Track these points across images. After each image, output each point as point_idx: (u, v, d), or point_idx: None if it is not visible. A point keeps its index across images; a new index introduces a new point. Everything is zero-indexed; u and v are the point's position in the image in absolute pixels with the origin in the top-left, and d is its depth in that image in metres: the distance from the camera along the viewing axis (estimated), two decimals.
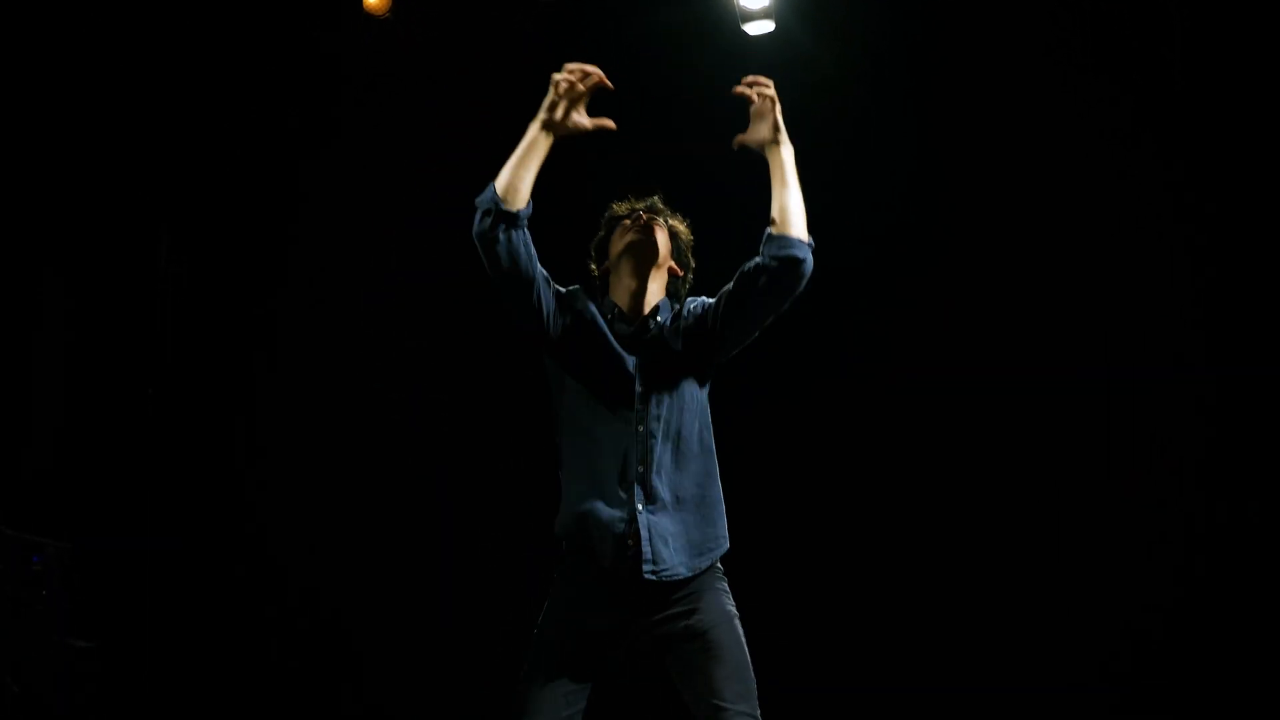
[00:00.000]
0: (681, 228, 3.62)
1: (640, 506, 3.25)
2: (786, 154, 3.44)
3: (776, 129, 3.43)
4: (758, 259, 3.41)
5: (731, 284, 3.45)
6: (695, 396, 3.42)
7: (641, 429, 3.30)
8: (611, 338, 3.40)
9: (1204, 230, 5.79)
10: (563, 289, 3.47)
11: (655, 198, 3.63)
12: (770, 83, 3.46)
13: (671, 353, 3.41)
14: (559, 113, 3.33)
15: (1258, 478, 5.59)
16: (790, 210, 3.40)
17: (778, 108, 3.43)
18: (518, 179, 3.28)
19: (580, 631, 3.26)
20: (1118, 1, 5.93)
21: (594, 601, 3.27)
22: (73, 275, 6.47)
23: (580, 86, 3.35)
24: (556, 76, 3.34)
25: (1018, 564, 5.93)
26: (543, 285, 3.36)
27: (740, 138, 3.50)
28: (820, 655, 5.96)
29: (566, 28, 6.34)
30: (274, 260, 6.70)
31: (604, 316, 3.45)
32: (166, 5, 6.25)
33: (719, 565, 3.40)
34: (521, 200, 3.29)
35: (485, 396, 6.41)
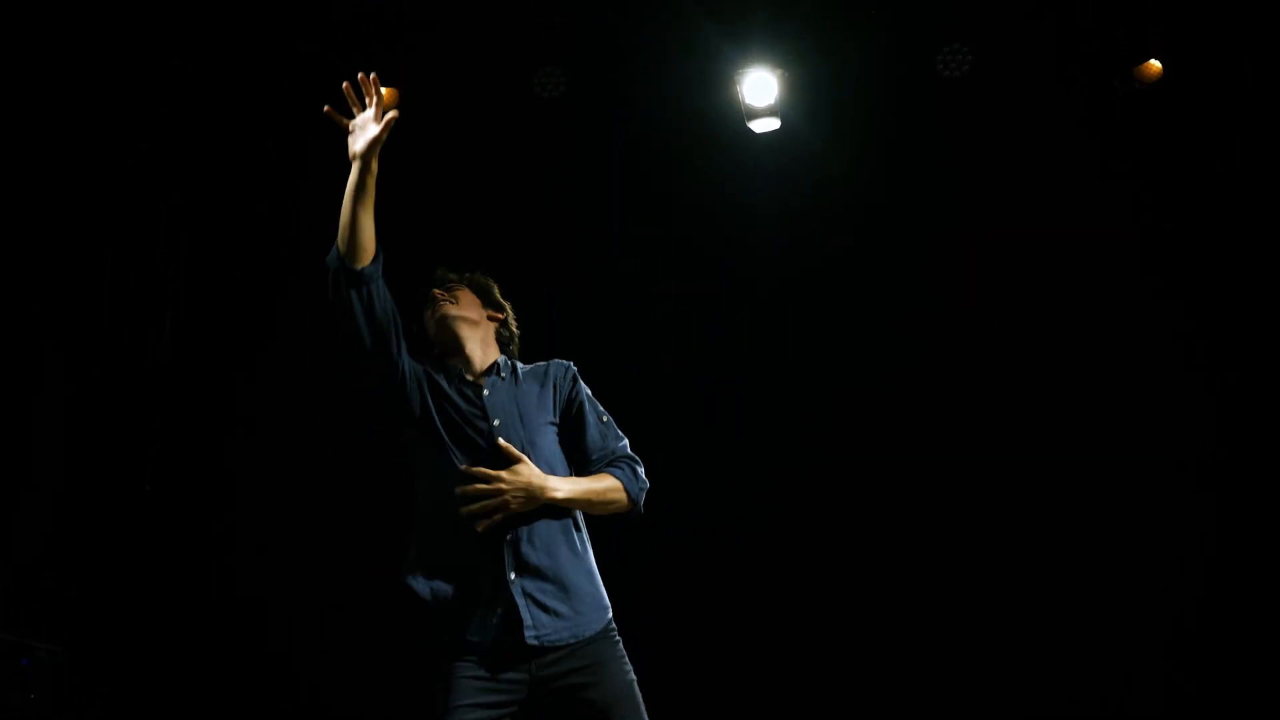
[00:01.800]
0: (480, 279, 3.56)
1: (512, 575, 3.13)
2: (552, 496, 3.22)
3: (374, 144, 3.21)
4: (613, 465, 3.37)
5: (590, 441, 3.39)
6: (553, 452, 3.32)
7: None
8: (461, 403, 3.29)
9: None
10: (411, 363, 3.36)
11: (439, 269, 3.56)
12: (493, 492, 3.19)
13: (520, 411, 3.32)
14: (357, 141, 3.19)
15: None
16: (603, 512, 3.34)
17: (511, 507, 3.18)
18: (353, 229, 3.15)
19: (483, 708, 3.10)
20: (1130, 97, 5.99)
21: (484, 681, 3.11)
22: (72, 364, 6.40)
23: (359, 108, 3.22)
24: (336, 116, 3.24)
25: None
26: (404, 350, 3.27)
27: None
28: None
29: (570, 124, 6.38)
30: (267, 351, 6.65)
31: (450, 383, 3.34)
32: (193, 61, 6.25)
33: (612, 626, 3.27)
34: (365, 253, 3.17)
35: None
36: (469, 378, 3.36)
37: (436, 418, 3.27)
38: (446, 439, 3.25)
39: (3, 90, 5.90)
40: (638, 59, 6.25)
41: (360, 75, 3.23)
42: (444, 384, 3.32)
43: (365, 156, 3.17)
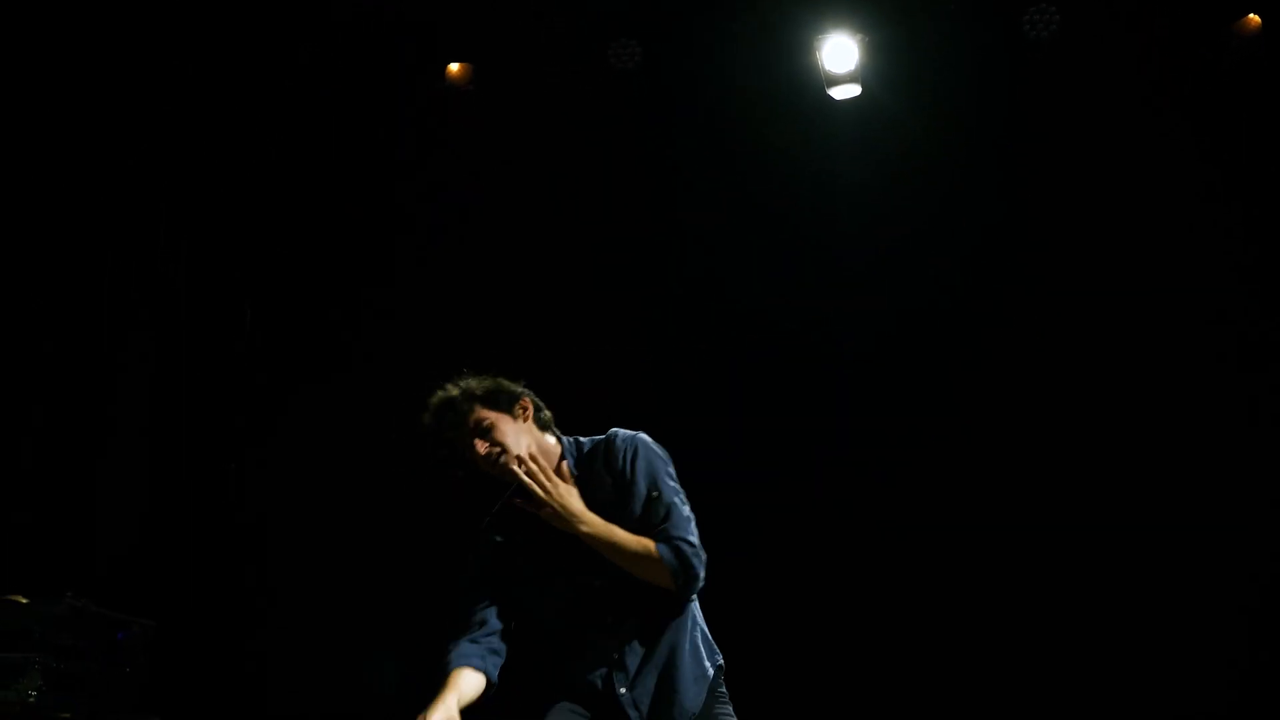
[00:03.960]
0: (475, 389, 3.18)
1: (622, 690, 3.03)
2: (597, 532, 3.02)
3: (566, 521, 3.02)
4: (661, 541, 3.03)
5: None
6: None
7: (595, 608, 3.06)
8: (528, 543, 3.13)
9: None
10: (481, 559, 3.21)
11: (449, 415, 3.17)
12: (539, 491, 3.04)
13: (602, 507, 3.08)
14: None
15: None
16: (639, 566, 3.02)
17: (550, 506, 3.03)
18: None
19: None
20: (1217, 74, 5.78)
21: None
22: (155, 347, 6.51)
23: None
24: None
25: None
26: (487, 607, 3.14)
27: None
28: None
29: (649, 96, 6.32)
30: (356, 333, 6.69)
31: (513, 534, 3.17)
32: (193, 61, 6.29)
33: (718, 682, 3.14)
34: None
35: None
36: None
37: (518, 563, 3.14)
38: (529, 575, 3.13)
39: (3, 90, 5.97)
40: (714, 27, 6.16)
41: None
42: (505, 535, 3.17)
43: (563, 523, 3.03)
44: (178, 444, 6.44)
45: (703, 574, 3.02)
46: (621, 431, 3.19)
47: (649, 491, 3.08)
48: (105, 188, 6.35)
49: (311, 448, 6.57)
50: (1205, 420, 5.79)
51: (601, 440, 3.21)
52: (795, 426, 6.17)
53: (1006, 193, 6.16)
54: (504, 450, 3.10)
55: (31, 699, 4.76)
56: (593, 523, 3.01)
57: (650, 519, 3.04)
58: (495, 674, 3.07)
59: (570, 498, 3.04)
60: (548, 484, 3.04)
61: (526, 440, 3.14)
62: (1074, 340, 5.99)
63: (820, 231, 6.33)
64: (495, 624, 3.10)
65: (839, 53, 5.93)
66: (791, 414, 6.18)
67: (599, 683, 3.04)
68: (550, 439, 3.23)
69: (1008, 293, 6.12)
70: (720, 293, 6.33)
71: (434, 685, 2.99)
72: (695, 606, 3.16)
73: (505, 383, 3.22)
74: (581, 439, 3.26)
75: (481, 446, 3.11)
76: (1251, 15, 5.73)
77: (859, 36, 5.94)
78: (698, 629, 3.14)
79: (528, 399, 3.23)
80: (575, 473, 3.16)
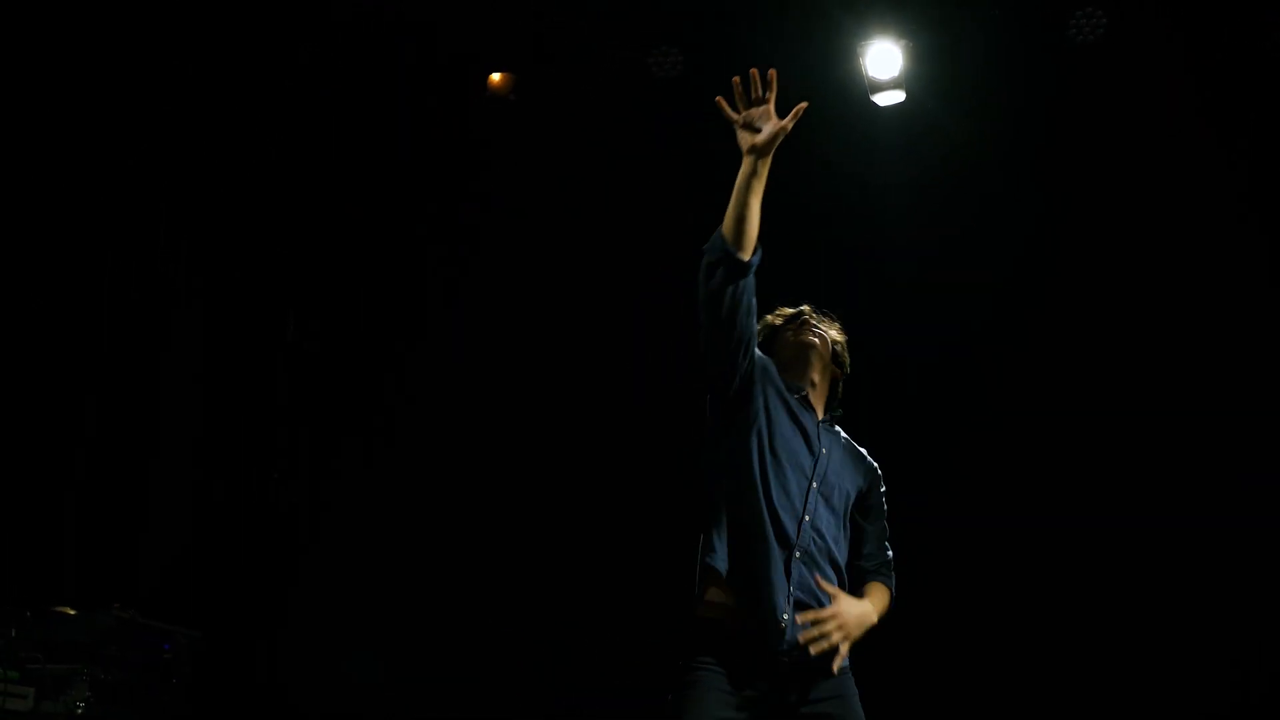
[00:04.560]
0: (835, 333, 3.54)
1: (789, 600, 3.12)
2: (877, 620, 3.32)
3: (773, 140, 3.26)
4: (882, 574, 3.45)
5: (869, 549, 3.46)
6: (840, 529, 3.34)
7: (808, 514, 3.20)
8: (790, 424, 3.30)
9: None
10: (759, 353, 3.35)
11: (807, 307, 3.57)
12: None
13: (841, 468, 3.37)
14: (758, 134, 3.21)
15: None
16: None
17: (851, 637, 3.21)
18: (744, 220, 3.18)
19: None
20: (1268, 82, 5.69)
21: (743, 683, 3.08)
22: (202, 358, 6.55)
23: (753, 95, 3.23)
24: (726, 109, 3.23)
25: None
26: (751, 342, 3.22)
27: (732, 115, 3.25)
28: None
29: (688, 104, 6.28)
30: (399, 338, 6.70)
31: (790, 397, 3.35)
32: (193, 61, 6.31)
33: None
34: (751, 244, 3.18)
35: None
36: (812, 404, 3.39)
37: (768, 423, 3.25)
38: (769, 448, 3.22)
39: (3, 90, 5.99)
40: (756, 34, 6.11)
41: (754, 71, 3.23)
42: (785, 394, 3.34)
43: (765, 150, 3.21)
44: (222, 454, 6.46)
45: None
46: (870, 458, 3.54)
47: (885, 527, 3.49)
48: (110, 189, 6.36)
49: (355, 456, 6.60)
50: (1246, 428, 5.70)
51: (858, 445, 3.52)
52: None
53: (1051, 199, 6.09)
54: (822, 339, 3.45)
55: (79, 710, 4.79)
56: (873, 614, 3.26)
57: (879, 549, 3.44)
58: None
59: (851, 613, 3.18)
60: (835, 624, 3.13)
61: (828, 376, 3.46)
62: (1117, 347, 5.92)
63: (864, 238, 6.28)
64: None
65: (883, 59, 5.89)
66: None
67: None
68: (827, 389, 3.47)
69: (1050, 299, 6.06)
70: (763, 300, 6.26)
71: None
72: None
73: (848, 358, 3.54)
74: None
75: (815, 319, 3.50)
76: None
77: (903, 42, 5.89)
78: None
79: (845, 369, 3.53)
80: (828, 417, 3.42)
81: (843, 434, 3.48)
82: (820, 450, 3.30)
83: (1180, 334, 5.82)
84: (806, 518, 3.18)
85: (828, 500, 3.27)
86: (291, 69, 6.33)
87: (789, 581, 3.11)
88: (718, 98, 3.22)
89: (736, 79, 3.20)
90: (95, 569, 5.88)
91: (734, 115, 3.23)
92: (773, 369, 3.36)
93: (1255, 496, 5.60)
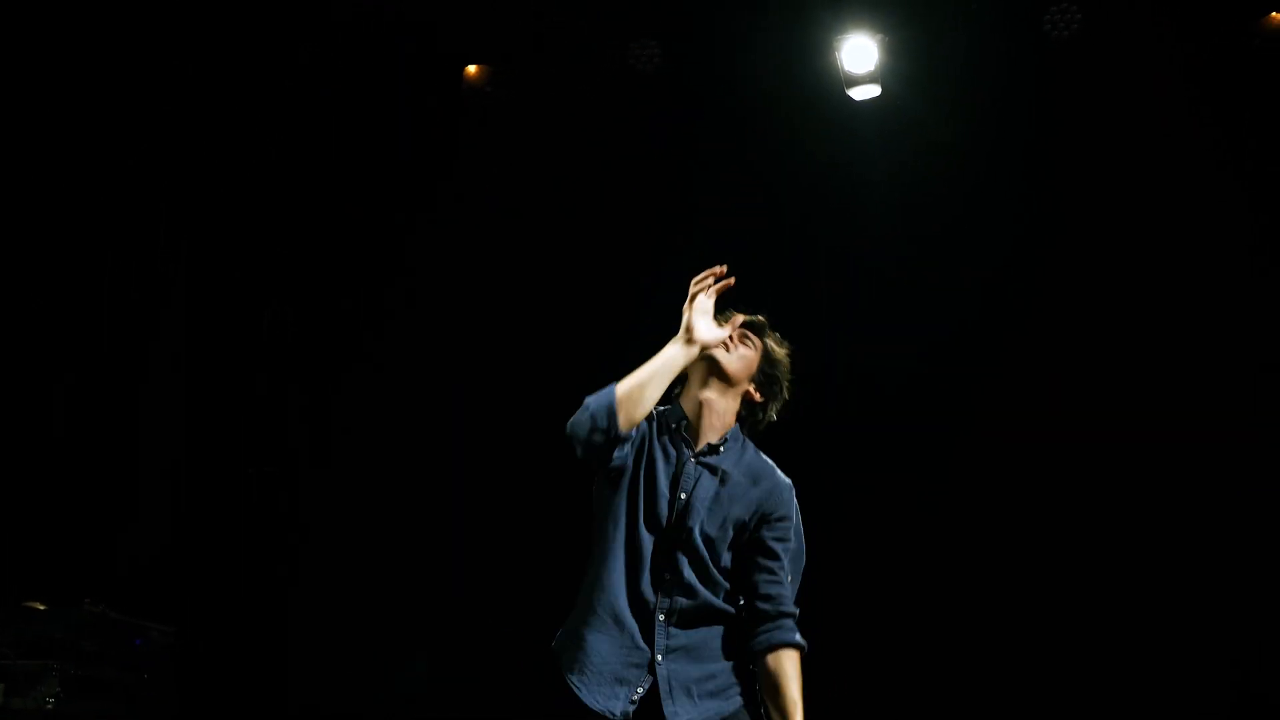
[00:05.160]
0: (779, 352, 3.23)
1: (660, 656, 2.96)
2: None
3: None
4: (763, 627, 3.02)
5: (761, 579, 3.05)
6: (724, 555, 3.06)
7: (668, 571, 3.00)
8: (661, 461, 3.08)
9: None
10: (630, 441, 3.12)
11: (758, 316, 3.25)
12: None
13: (716, 504, 3.05)
14: (699, 330, 3.01)
15: None
16: None
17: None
18: (642, 401, 2.95)
19: None
20: (1243, 74, 5.73)
21: None
22: (182, 352, 6.51)
23: (713, 294, 3.04)
24: (694, 289, 3.06)
25: None
26: (616, 440, 3.02)
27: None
28: None
29: (666, 97, 6.28)
30: (377, 335, 6.68)
31: (668, 425, 3.13)
32: (193, 61, 6.28)
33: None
34: (636, 422, 2.98)
35: None
36: (690, 430, 3.13)
37: (631, 480, 3.06)
38: (630, 497, 3.05)
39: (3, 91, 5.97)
40: (733, 28, 6.12)
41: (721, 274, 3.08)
42: (655, 441, 3.11)
43: (697, 351, 3.03)
44: (202, 450, 6.42)
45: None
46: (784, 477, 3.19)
47: (795, 539, 3.11)
48: (96, 183, 6.33)
49: (335, 451, 6.57)
50: (1230, 424, 5.73)
51: (763, 456, 3.19)
52: (815, 428, 6.12)
53: (1027, 193, 6.11)
54: (737, 344, 3.15)
55: (49, 706, 4.75)
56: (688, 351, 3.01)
57: (782, 593, 3.03)
58: None
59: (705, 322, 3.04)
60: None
61: (737, 392, 3.16)
62: (1098, 340, 5.93)
63: (840, 232, 6.29)
64: None
65: (858, 53, 5.89)
66: (811, 416, 6.13)
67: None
68: (730, 413, 3.17)
69: (1030, 293, 6.07)
70: (741, 294, 6.27)
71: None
72: None
73: (784, 378, 3.23)
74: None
75: (737, 336, 3.16)
76: (1275, 14, 5.68)
77: (878, 37, 5.90)
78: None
79: (773, 401, 3.22)
80: (727, 440, 3.12)
81: (746, 453, 3.16)
82: (685, 488, 3.04)
83: (1161, 327, 5.85)
84: (667, 575, 2.99)
85: (688, 544, 3.01)
86: (288, 68, 6.30)
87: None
88: (698, 284, 3.08)
89: (721, 269, 3.07)
90: (69, 564, 5.83)
91: (701, 292, 3.06)
92: (649, 425, 3.13)
93: (1253, 496, 5.64)
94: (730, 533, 3.03)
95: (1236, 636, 5.58)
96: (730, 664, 3.03)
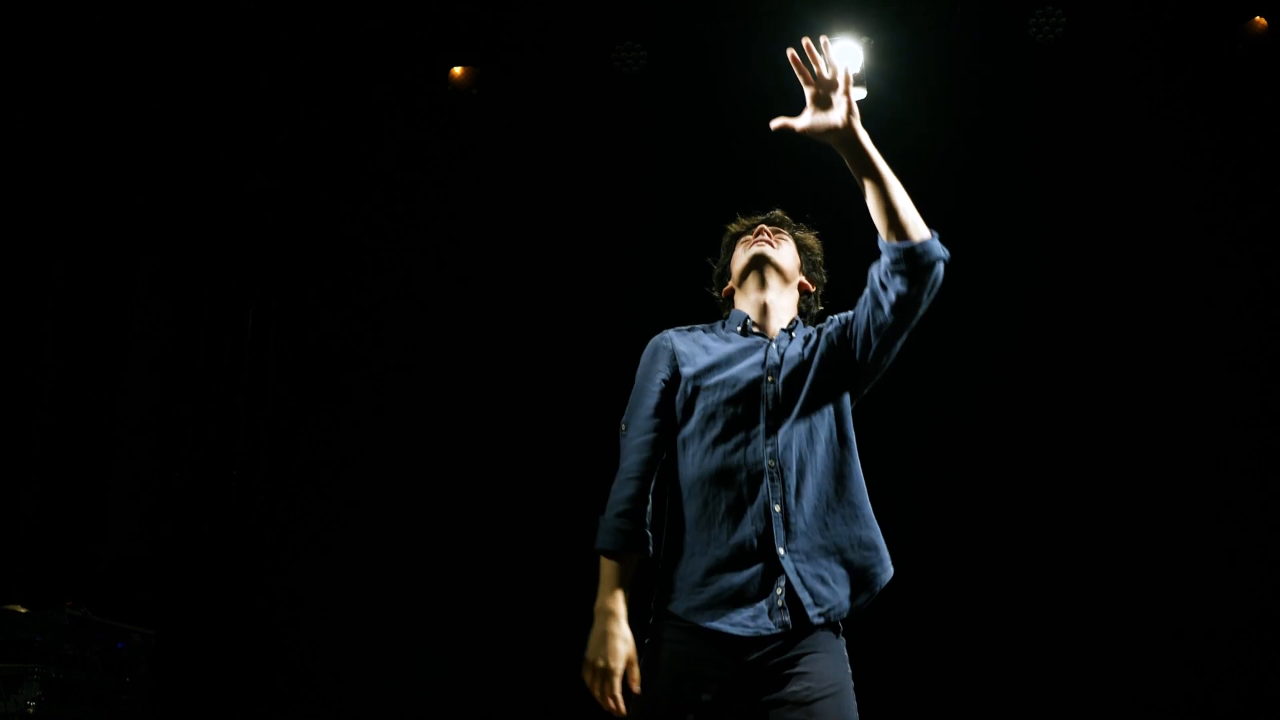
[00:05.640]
0: (810, 240, 3.33)
1: (782, 550, 2.88)
2: (867, 143, 2.92)
3: (850, 113, 2.92)
4: (881, 275, 3.00)
5: (862, 306, 3.06)
6: (831, 425, 3.03)
7: (772, 461, 2.93)
8: (737, 353, 3.05)
9: None
10: (667, 365, 3.10)
11: (778, 211, 3.33)
12: (835, 60, 2.97)
13: (806, 373, 3.03)
14: (831, 116, 2.98)
15: None
16: (899, 209, 2.95)
17: (849, 85, 2.94)
18: (894, 210, 3.00)
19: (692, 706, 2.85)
20: (1226, 78, 5.75)
21: (705, 669, 2.85)
22: (161, 354, 6.48)
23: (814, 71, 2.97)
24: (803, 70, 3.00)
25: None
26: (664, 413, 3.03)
27: (791, 122, 2.99)
28: None
29: (650, 100, 6.28)
30: (360, 336, 6.66)
31: (734, 328, 3.12)
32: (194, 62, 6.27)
33: (839, 624, 2.96)
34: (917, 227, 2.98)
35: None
36: (758, 329, 3.12)
37: (705, 383, 3.01)
38: (710, 402, 3.00)
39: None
40: (719, 30, 6.12)
41: (807, 41, 2.98)
42: (718, 339, 3.10)
43: (848, 132, 2.95)
44: (183, 451, 6.40)
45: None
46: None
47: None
48: (77, 180, 6.29)
49: (316, 454, 6.55)
50: (1210, 421, 5.75)
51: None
52: None
53: (1013, 196, 6.12)
54: (775, 249, 3.20)
55: (30, 710, 4.72)
56: (864, 134, 2.93)
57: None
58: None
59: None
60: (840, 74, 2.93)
61: (788, 293, 3.19)
62: (1082, 342, 5.95)
63: (826, 235, 6.26)
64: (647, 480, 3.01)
65: (844, 56, 5.89)
66: None
67: (754, 541, 2.88)
68: (791, 308, 3.19)
69: (1014, 295, 6.08)
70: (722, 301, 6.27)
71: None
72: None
73: (822, 265, 3.33)
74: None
75: (767, 230, 3.23)
76: (1258, 18, 5.70)
77: (864, 40, 5.90)
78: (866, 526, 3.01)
79: (818, 290, 3.30)
80: (794, 336, 3.12)
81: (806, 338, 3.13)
82: (767, 391, 2.98)
83: (1144, 328, 5.87)
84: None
85: (790, 408, 2.97)
86: (270, 67, 6.29)
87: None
88: (792, 55, 3.01)
89: (792, 53, 2.99)
90: (50, 567, 5.81)
91: (809, 79, 3.00)
92: (691, 338, 3.13)
93: (1251, 494, 5.67)
94: (821, 348, 3.07)
95: (1236, 636, 5.60)
96: None
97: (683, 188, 6.33)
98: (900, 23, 5.96)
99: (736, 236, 3.32)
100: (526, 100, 6.32)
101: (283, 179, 6.60)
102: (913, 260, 2.94)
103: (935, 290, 2.99)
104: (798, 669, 2.84)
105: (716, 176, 6.28)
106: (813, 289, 3.29)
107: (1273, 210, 5.78)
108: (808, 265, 3.29)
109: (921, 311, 3.03)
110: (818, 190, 6.40)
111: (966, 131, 6.12)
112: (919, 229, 2.97)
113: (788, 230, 3.29)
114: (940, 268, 2.97)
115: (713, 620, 2.86)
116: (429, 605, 6.18)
